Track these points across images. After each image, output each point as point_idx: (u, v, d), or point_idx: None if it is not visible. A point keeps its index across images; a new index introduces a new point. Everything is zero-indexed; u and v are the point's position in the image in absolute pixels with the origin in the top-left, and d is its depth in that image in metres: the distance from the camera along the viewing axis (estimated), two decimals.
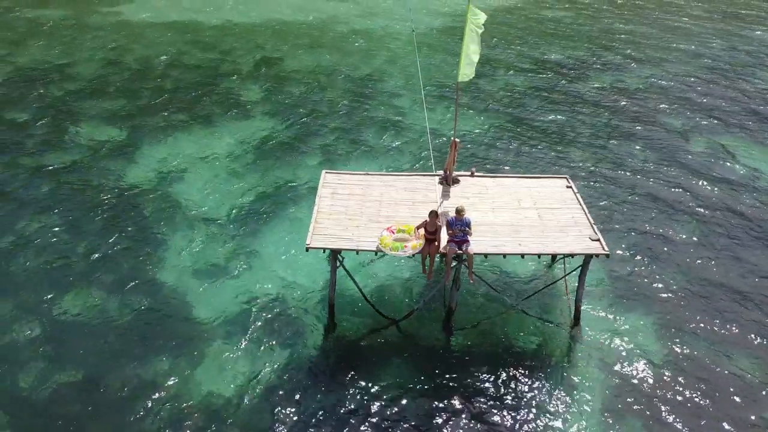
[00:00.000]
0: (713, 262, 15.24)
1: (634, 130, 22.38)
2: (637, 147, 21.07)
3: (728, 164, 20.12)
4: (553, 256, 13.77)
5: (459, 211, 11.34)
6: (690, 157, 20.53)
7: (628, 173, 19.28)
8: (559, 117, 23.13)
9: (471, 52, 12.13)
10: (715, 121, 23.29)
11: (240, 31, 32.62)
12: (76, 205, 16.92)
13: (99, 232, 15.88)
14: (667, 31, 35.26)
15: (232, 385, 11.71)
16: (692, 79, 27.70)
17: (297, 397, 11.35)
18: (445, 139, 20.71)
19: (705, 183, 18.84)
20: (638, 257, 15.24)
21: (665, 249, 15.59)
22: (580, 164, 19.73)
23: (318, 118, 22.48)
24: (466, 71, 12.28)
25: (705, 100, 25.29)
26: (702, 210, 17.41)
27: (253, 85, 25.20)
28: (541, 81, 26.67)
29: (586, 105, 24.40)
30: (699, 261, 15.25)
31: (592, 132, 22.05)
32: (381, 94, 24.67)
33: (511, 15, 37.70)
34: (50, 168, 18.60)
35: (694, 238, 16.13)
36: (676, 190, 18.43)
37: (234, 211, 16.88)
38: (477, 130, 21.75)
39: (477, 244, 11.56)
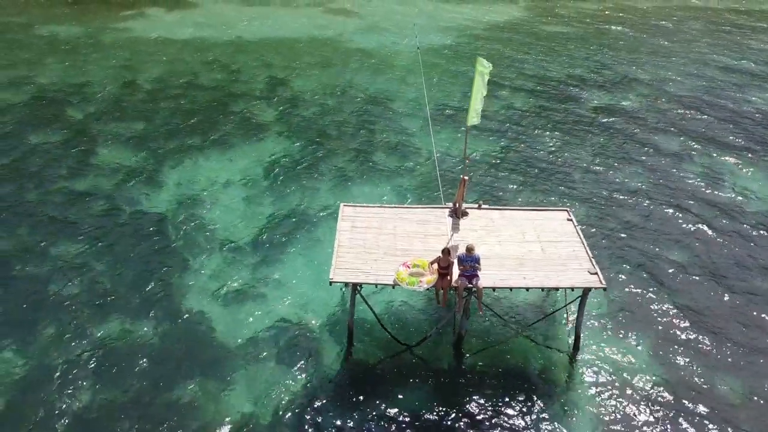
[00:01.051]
0: (709, 287, 16.25)
1: (632, 152, 23.41)
2: (635, 170, 22.09)
3: (724, 187, 21.10)
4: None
5: (469, 249, 12.42)
6: (686, 180, 21.53)
7: (625, 198, 20.30)
8: (559, 139, 24.15)
9: (480, 97, 13.17)
10: (712, 143, 24.32)
11: (250, 48, 33.60)
12: (104, 231, 17.88)
13: (128, 258, 16.85)
14: (666, 48, 36.27)
15: (257, 405, 12.70)
16: (690, 98, 28.73)
17: (317, 417, 12.37)
18: (451, 160, 21.76)
19: (701, 207, 19.82)
20: (636, 283, 16.26)
21: (662, 274, 16.62)
22: (580, 188, 20.74)
23: (329, 141, 23.48)
24: (476, 114, 13.33)
25: (702, 121, 26.31)
26: (698, 235, 18.40)
27: (265, 107, 26.21)
28: (542, 101, 27.69)
29: (586, 126, 25.43)
30: (695, 286, 16.26)
31: (591, 154, 23.08)
32: (389, 116, 25.67)
33: (514, 30, 38.71)
34: (78, 193, 19.57)
35: (691, 264, 17.12)
36: (673, 214, 19.43)
37: (254, 236, 17.86)
38: (479, 152, 22.75)
39: (485, 277, 12.62)
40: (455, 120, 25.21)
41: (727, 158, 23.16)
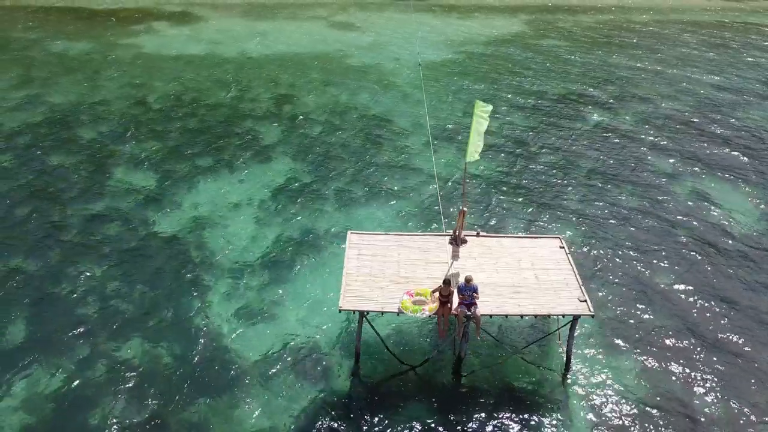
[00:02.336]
0: (698, 309, 17.21)
1: (625, 172, 24.37)
2: (628, 191, 23.02)
3: (714, 208, 21.99)
4: None
5: (468, 280, 13.45)
6: (678, 201, 22.47)
7: (618, 219, 21.24)
8: (555, 160, 25.08)
9: (479, 137, 14.18)
10: (704, 162, 25.28)
11: (256, 64, 34.58)
12: (121, 253, 18.82)
13: (144, 280, 17.81)
14: (662, 63, 37.23)
15: (269, 422, 13.67)
16: (681, 117, 29.71)
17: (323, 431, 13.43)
18: (453, 182, 22.73)
19: (692, 229, 20.77)
20: (626, 304, 17.24)
21: (652, 296, 17.60)
22: (575, 210, 21.66)
23: (334, 161, 24.46)
24: (474, 152, 14.35)
25: (695, 140, 27.28)
26: (688, 257, 19.35)
27: (273, 126, 27.19)
28: (539, 120, 28.64)
29: (582, 146, 26.39)
30: (684, 308, 17.21)
31: (586, 175, 24.03)
32: (392, 136, 26.65)
33: (514, 45, 39.66)
34: (97, 215, 20.54)
35: (680, 285, 18.08)
36: (664, 236, 20.38)
37: (264, 257, 18.84)
38: (478, 173, 23.65)
39: (483, 305, 13.64)
40: (456, 140, 26.18)
41: (717, 178, 24.11)
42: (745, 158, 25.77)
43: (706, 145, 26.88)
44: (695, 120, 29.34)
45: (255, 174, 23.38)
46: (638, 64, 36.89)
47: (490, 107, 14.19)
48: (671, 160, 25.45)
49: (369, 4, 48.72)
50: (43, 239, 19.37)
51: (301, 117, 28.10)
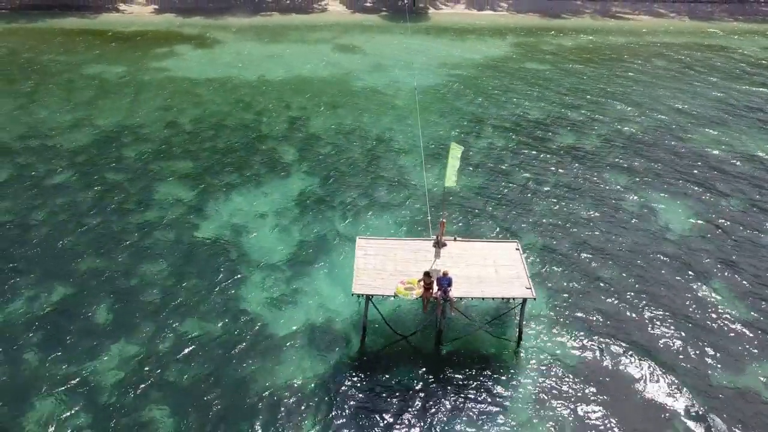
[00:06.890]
0: (627, 296, 22.08)
1: (582, 187, 29.24)
2: (585, 203, 27.86)
3: (652, 218, 26.86)
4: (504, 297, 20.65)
5: (445, 273, 18.40)
6: (622, 212, 27.28)
7: (570, 227, 26.09)
8: (526, 176, 29.95)
9: (453, 169, 19.14)
10: (649, 179, 30.14)
11: (270, 87, 39.45)
12: (172, 253, 23.57)
13: (193, 274, 22.57)
14: (627, 86, 42.19)
15: (298, 377, 18.47)
16: (639, 138, 34.63)
17: (341, 385, 18.21)
18: (440, 195, 27.54)
19: (633, 233, 25.65)
20: (571, 293, 22.17)
21: (589, 287, 22.51)
22: (538, 220, 26.50)
23: (342, 177, 29.33)
24: (452, 179, 19.32)
25: (646, 159, 32.17)
26: (628, 256, 24.16)
27: (288, 146, 32.06)
28: (516, 141, 33.51)
29: (548, 164, 31.27)
30: (615, 298, 22.11)
31: (548, 190, 28.91)
32: (390, 154, 31.53)
33: (499, 68, 44.59)
34: (149, 223, 25.34)
35: (619, 279, 22.94)
36: (607, 241, 25.33)
37: (287, 256, 23.66)
38: (457, 188, 27.81)
39: (456, 290, 18.55)
40: (444, 158, 30.87)
41: (662, 192, 28.92)
42: (687, 176, 30.66)
43: (657, 163, 31.75)
44: (651, 141, 34.24)
45: (276, 188, 28.22)
46: (608, 88, 41.83)
47: (461, 149, 19.19)
48: (626, 177, 30.31)
49: (370, 27, 53.67)
50: (110, 243, 24.18)
51: (312, 138, 32.96)
